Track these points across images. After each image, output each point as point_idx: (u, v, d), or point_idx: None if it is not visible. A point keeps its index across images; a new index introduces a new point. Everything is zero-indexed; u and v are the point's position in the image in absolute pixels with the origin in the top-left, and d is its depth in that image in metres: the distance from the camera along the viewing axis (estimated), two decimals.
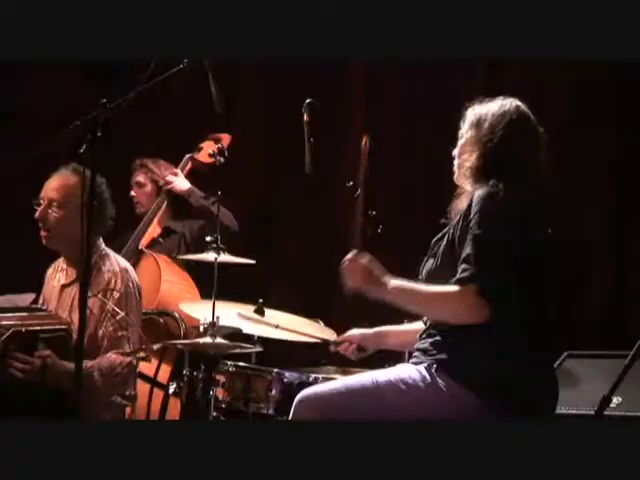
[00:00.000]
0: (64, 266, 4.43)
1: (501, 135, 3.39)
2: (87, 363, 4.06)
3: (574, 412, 4.37)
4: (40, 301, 4.46)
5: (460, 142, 3.51)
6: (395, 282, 3.35)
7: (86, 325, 3.31)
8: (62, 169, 4.33)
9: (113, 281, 4.22)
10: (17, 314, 4.14)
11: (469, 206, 3.33)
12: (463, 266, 3.24)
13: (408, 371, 3.33)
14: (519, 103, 3.48)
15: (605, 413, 3.06)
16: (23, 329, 4.04)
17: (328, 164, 4.83)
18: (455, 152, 3.52)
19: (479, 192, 3.33)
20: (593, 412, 3.08)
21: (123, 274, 4.26)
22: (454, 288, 3.23)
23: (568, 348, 4.71)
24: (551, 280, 3.39)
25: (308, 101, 4.31)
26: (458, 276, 3.24)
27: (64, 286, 4.38)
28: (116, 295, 4.21)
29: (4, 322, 4.03)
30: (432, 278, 3.40)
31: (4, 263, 5.91)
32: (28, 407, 3.92)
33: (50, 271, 4.51)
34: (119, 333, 4.19)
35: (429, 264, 3.46)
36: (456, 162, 3.52)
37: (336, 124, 5.91)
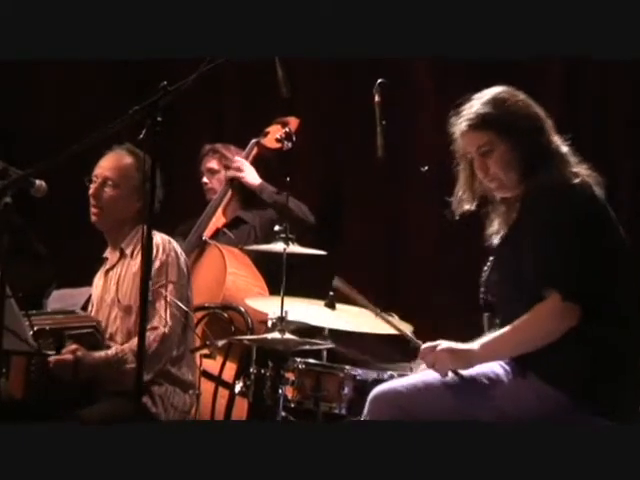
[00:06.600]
0: (108, 255, 4.46)
1: (523, 124, 3.32)
2: (118, 348, 4.16)
3: None
4: (89, 307, 4.49)
5: (481, 158, 3.36)
6: (480, 343, 3.28)
7: (148, 304, 3.30)
8: (116, 148, 4.40)
9: (154, 250, 4.20)
10: (50, 316, 4.22)
11: (523, 209, 3.30)
12: (540, 276, 3.19)
13: (491, 366, 3.28)
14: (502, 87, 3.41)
15: None
16: (47, 327, 4.10)
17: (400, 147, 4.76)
18: (481, 174, 3.39)
19: (530, 194, 3.29)
20: None
21: (165, 244, 4.28)
22: (539, 306, 3.18)
23: None
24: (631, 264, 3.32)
25: (380, 81, 4.22)
26: (539, 288, 3.19)
27: (108, 271, 4.42)
28: (156, 264, 4.20)
29: (35, 323, 4.02)
30: (496, 287, 3.40)
31: (63, 257, 5.85)
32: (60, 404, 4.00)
33: (96, 278, 4.51)
34: (155, 304, 4.16)
35: (493, 274, 3.43)
36: (491, 177, 3.37)
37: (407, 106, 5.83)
